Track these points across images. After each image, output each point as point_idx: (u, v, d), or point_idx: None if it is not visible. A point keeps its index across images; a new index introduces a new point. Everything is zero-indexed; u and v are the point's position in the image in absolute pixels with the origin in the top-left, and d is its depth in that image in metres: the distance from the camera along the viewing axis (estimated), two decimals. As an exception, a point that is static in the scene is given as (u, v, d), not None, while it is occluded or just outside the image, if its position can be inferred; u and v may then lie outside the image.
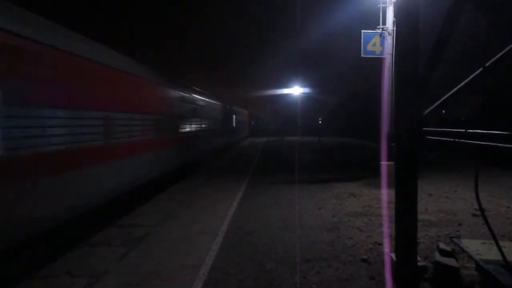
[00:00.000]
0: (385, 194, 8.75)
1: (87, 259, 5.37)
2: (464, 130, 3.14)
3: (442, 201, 8.37)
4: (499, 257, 3.25)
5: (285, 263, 5.04)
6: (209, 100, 18.54)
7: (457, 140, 3.25)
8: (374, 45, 10.23)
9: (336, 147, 25.95)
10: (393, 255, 4.37)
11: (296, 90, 41.70)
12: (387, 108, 9.88)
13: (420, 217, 4.92)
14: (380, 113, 10.05)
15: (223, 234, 6.36)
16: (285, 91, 46.78)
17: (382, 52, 10.12)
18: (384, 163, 9.97)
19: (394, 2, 9.59)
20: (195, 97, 15.28)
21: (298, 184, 10.93)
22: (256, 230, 6.56)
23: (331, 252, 5.42)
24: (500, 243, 3.11)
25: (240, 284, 4.45)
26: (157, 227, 6.92)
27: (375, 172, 10.93)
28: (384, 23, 9.95)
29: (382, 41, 10.09)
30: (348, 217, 7.19)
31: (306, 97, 44.42)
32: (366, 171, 12.46)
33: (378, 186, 10.03)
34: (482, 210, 3.01)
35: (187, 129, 13.60)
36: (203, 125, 16.53)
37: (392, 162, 9.53)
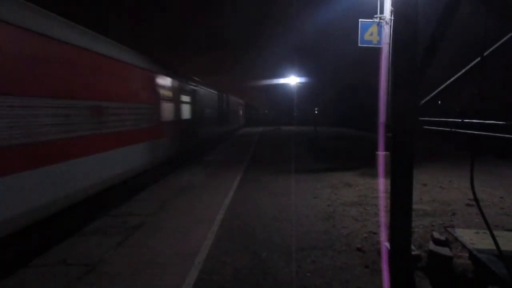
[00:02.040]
0: (382, 184, 8.78)
1: (82, 248, 5.36)
2: (460, 120, 3.13)
3: (437, 191, 8.42)
4: (493, 247, 3.27)
5: (280, 252, 5.07)
6: (205, 89, 18.42)
7: (453, 129, 3.25)
8: (371, 34, 10.16)
9: (332, 137, 25.99)
10: (388, 244, 4.40)
11: (292, 80, 41.47)
12: (384, 98, 9.86)
13: (414, 206, 4.95)
14: (377, 103, 10.04)
15: (219, 223, 6.37)
16: (281, 80, 46.58)
17: (379, 42, 10.06)
18: (381, 153, 9.99)
19: (392, -9, 9.50)
20: (192, 86, 15.17)
21: (293, 174, 10.94)
22: (251, 219, 6.57)
23: (326, 241, 5.45)
24: (494, 232, 3.12)
25: (235, 273, 4.47)
26: (152, 215, 6.91)
27: (371, 162, 10.98)
28: (381, 12, 9.88)
29: (379, 30, 10.02)
30: (344, 207, 7.23)
31: (303, 87, 44.24)
32: (362, 161, 12.50)
33: (373, 176, 10.08)
34: (477, 200, 3.01)
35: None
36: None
37: (389, 152, 9.57)
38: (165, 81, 11.36)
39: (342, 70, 41.25)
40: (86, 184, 6.45)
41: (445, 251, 4.37)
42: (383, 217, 6.31)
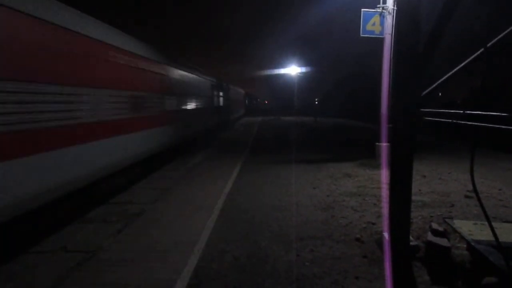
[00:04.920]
0: (384, 175, 8.79)
1: (82, 235, 5.40)
2: (462, 111, 3.11)
3: (436, 182, 8.44)
4: (490, 238, 3.29)
5: (279, 241, 5.10)
6: (206, 78, 18.33)
7: (454, 121, 3.23)
8: (373, 24, 10.04)
9: (332, 128, 25.95)
10: (387, 235, 4.42)
11: (293, 70, 41.24)
12: (386, 89, 9.80)
13: (413, 197, 4.95)
14: (377, 94, 9.98)
15: (218, 211, 6.40)
16: (282, 70, 46.31)
17: (381, 32, 9.95)
18: (384, 145, 9.99)
19: (396, -20, 9.37)
20: (192, 75, 15.10)
21: (293, 164, 10.95)
22: (251, 208, 6.60)
23: (325, 231, 5.47)
24: (492, 224, 3.13)
25: (234, 261, 4.50)
26: (152, 204, 6.94)
27: (370, 153, 10.98)
28: (384, 1, 9.76)
29: (382, 20, 9.89)
30: (343, 197, 7.25)
31: (303, 77, 44.01)
32: (361, 152, 12.50)
33: (372, 167, 10.08)
34: (476, 191, 3.01)
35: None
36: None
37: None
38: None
39: (343, 60, 41.02)
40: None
41: (443, 242, 4.39)
42: (385, 208, 6.33)
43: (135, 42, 9.03)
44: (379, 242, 4.86)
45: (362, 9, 10.01)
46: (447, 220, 5.21)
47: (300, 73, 41.61)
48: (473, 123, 2.94)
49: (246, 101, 47.60)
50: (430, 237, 4.53)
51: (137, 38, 9.36)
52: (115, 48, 7.57)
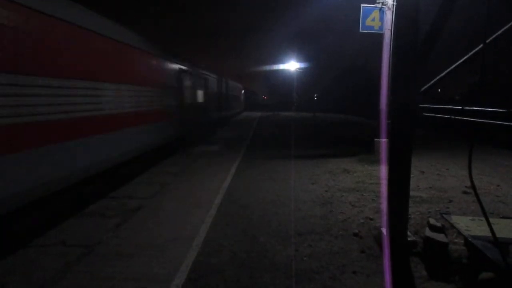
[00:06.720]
0: (384, 171, 8.79)
1: (81, 230, 5.40)
2: (461, 107, 3.12)
3: (434, 178, 8.46)
4: (488, 234, 3.31)
5: (278, 236, 5.11)
6: (205, 73, 18.28)
7: (453, 117, 3.24)
8: (373, 20, 10.01)
9: (331, 123, 25.95)
10: (384, 230, 4.44)
11: (292, 65, 41.12)
12: (385, 85, 9.78)
13: (411, 193, 4.98)
14: (376, 89, 9.97)
15: (217, 207, 6.41)
16: (281, 66, 46.22)
17: (381, 28, 9.92)
18: (382, 140, 9.99)
19: (395, -24, 9.32)
20: (192, 70, 15.06)
21: (292, 159, 10.97)
22: (249, 203, 6.61)
23: (323, 226, 5.49)
24: (490, 220, 3.15)
25: (233, 256, 4.52)
26: (151, 198, 6.95)
27: (369, 148, 10.99)
28: (384, -3, 9.71)
29: (381, 16, 9.86)
30: (341, 193, 7.26)
31: (302, 73, 43.91)
32: (360, 148, 12.51)
33: (371, 162, 10.10)
34: (474, 187, 3.03)
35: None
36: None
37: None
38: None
39: (342, 55, 40.97)
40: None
41: (440, 237, 4.41)
42: (383, 203, 6.34)
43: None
44: (377, 238, 4.88)
45: (362, 4, 9.97)
46: (444, 215, 5.23)
47: (299, 68, 41.52)
48: (471, 119, 2.95)
49: (245, 96, 47.53)
50: (428, 232, 4.55)
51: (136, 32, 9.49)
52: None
